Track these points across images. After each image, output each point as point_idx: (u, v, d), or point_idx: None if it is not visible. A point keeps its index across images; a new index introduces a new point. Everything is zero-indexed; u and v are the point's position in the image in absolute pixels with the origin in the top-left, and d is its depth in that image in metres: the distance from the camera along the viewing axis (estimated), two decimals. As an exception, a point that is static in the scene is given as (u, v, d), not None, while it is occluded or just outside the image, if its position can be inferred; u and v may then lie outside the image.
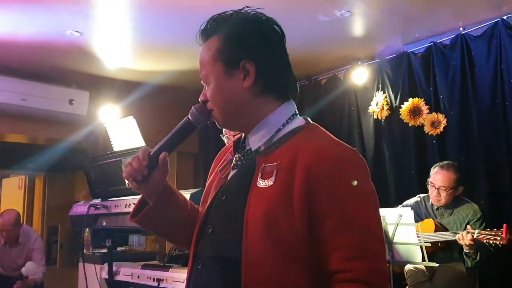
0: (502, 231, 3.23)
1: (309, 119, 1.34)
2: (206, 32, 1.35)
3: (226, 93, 1.30)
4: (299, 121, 1.33)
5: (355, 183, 1.19)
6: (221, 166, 1.41)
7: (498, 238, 3.22)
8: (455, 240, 3.38)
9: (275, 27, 1.33)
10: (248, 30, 1.30)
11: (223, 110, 1.32)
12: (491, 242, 3.24)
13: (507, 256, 3.53)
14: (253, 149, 1.32)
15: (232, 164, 1.36)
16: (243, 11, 1.33)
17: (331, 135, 1.30)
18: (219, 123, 1.37)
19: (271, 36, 1.32)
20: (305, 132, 1.29)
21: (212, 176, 1.46)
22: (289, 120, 1.31)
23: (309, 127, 1.31)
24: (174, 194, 1.43)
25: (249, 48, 1.28)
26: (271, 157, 1.26)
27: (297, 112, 1.35)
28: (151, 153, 1.33)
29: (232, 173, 1.36)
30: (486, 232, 3.29)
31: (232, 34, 1.30)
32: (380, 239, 1.22)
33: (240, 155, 1.35)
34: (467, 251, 3.36)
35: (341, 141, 1.27)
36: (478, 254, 3.35)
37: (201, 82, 1.37)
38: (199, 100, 1.36)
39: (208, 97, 1.33)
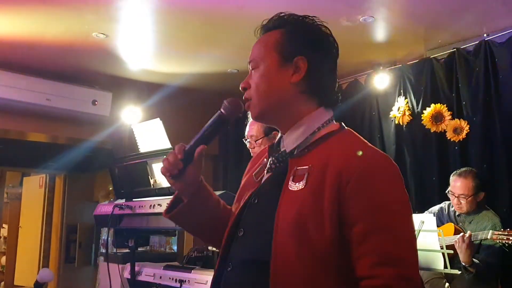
0: None
1: (343, 124, 1.38)
2: (269, 26, 1.38)
3: (272, 83, 1.33)
4: (333, 126, 1.36)
5: (386, 188, 1.19)
6: (256, 170, 1.43)
7: (511, 238, 3.24)
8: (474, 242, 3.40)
9: (333, 40, 1.39)
10: (308, 30, 1.35)
11: (264, 99, 1.34)
12: (504, 242, 3.27)
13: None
14: (287, 150, 1.34)
15: (267, 168, 1.38)
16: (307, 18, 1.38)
17: (365, 140, 1.31)
18: (254, 113, 1.38)
19: (328, 44, 1.38)
20: (338, 137, 1.31)
21: (246, 179, 1.48)
22: (324, 124, 1.34)
23: (342, 132, 1.34)
24: (209, 192, 1.46)
25: (306, 47, 1.33)
26: (303, 160, 1.28)
27: (333, 118, 1.38)
28: (187, 148, 1.36)
29: (266, 176, 1.38)
30: (500, 233, 3.31)
31: (294, 30, 1.35)
32: (412, 246, 1.21)
33: (274, 158, 1.37)
34: (463, 263, 3.35)
35: (374, 147, 1.27)
36: (475, 270, 3.36)
37: (248, 66, 1.39)
38: (240, 87, 1.39)
39: (252, 83, 1.36)
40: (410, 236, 1.22)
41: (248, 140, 3.15)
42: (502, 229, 3.36)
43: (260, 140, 3.10)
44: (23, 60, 5.07)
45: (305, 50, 1.32)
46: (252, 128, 3.13)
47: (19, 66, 5.09)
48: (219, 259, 1.39)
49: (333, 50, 1.39)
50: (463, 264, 3.36)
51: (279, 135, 1.42)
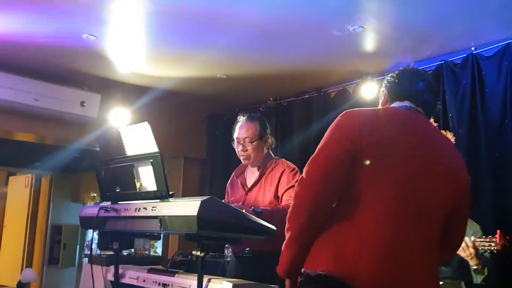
0: (496, 237, 3.24)
1: None
2: None
3: None
4: None
5: None
6: None
7: (493, 244, 3.23)
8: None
9: None
10: None
11: None
12: (486, 248, 3.25)
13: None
14: None
15: None
16: None
17: None
18: None
19: None
20: None
21: None
22: None
23: None
24: None
25: None
26: None
27: None
28: None
29: None
30: (481, 240, 3.29)
31: None
32: None
33: None
34: (475, 266, 3.31)
35: None
36: (486, 269, 3.31)
37: None
38: None
39: None
40: None
41: (240, 142, 3.12)
42: (484, 237, 3.37)
43: (256, 142, 3.09)
44: (12, 60, 5.05)
45: None
46: (245, 131, 3.10)
47: (7, 65, 5.07)
48: None
49: None
50: (475, 268, 3.30)
51: None
